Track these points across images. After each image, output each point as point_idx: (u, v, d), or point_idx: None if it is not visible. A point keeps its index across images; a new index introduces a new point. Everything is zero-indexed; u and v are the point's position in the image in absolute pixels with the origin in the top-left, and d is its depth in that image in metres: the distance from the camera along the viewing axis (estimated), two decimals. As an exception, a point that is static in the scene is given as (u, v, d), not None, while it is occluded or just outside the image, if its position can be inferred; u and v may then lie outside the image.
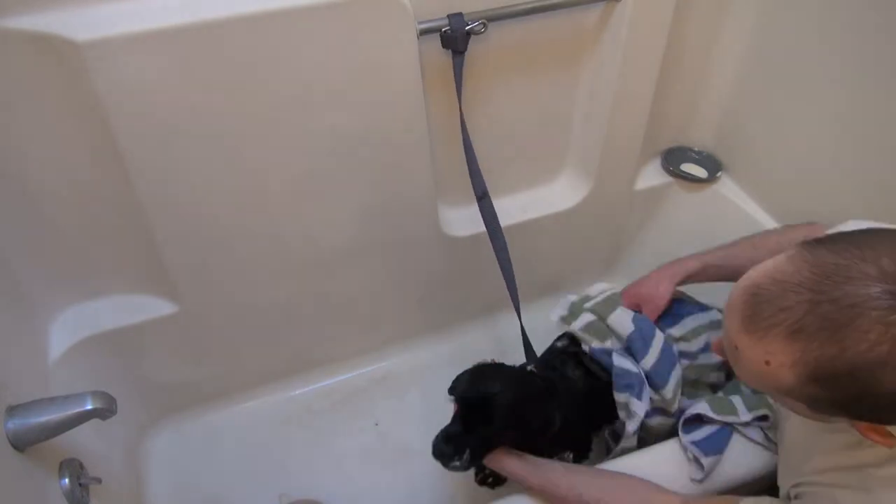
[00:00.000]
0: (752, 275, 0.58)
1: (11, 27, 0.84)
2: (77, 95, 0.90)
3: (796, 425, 0.78)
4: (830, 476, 0.67)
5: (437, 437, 0.94)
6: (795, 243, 0.57)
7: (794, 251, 0.56)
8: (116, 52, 0.87)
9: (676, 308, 1.15)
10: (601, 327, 1.13)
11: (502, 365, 1.05)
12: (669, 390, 1.05)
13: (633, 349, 1.08)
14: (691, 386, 1.12)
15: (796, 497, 0.71)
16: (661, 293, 1.08)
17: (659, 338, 1.08)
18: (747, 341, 0.57)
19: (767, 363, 0.56)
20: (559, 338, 1.20)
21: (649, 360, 1.06)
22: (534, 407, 0.96)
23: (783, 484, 0.76)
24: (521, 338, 1.19)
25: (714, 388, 1.14)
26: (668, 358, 1.07)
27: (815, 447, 0.71)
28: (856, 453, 0.65)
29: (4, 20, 0.83)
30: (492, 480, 1.31)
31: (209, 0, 0.89)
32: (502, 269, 1.13)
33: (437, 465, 0.93)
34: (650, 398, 1.04)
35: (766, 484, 0.92)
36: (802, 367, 0.54)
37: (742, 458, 0.97)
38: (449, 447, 0.92)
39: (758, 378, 0.59)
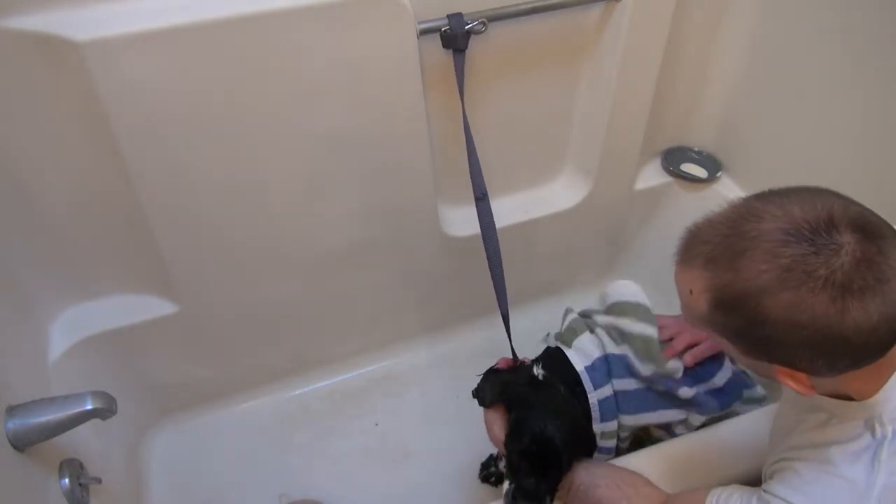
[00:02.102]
0: (699, 217, 0.62)
1: (11, 27, 0.84)
2: (77, 95, 0.90)
3: (784, 408, 0.79)
4: (799, 452, 0.69)
5: (513, 497, 0.86)
6: None
7: (738, 199, 0.60)
8: (116, 52, 0.87)
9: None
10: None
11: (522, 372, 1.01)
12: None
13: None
14: None
15: (770, 476, 0.72)
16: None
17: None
18: (679, 272, 0.62)
19: (690, 292, 0.61)
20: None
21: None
22: (583, 429, 0.94)
23: (765, 465, 0.76)
24: (522, 338, 1.17)
25: None
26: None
27: (795, 427, 0.72)
28: (825, 430, 0.67)
29: (4, 20, 0.83)
30: (494, 480, 1.31)
31: (209, 0, 0.89)
32: (492, 272, 1.08)
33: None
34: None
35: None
36: (710, 293, 0.58)
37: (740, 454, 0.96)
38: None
39: (687, 310, 0.63)
